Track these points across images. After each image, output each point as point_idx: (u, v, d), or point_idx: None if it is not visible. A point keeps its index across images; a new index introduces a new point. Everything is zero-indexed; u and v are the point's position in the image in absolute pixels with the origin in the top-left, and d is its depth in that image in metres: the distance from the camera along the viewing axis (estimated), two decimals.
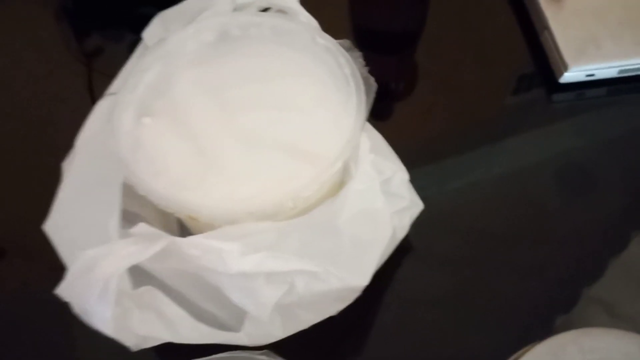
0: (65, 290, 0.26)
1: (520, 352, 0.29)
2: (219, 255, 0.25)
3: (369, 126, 0.36)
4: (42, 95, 0.46)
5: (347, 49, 0.34)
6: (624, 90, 0.45)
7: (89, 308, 0.26)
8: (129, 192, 0.30)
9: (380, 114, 0.41)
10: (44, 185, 0.33)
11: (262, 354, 0.27)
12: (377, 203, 0.32)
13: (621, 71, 0.44)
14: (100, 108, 0.33)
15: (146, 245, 0.25)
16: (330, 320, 0.33)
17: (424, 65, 0.48)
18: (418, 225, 0.36)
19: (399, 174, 0.35)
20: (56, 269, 0.35)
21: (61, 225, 0.30)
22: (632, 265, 0.38)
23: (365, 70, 0.33)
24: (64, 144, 0.33)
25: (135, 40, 0.40)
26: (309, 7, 0.36)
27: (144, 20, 0.37)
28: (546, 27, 0.45)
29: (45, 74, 0.47)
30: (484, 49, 0.48)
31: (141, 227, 0.26)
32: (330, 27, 0.35)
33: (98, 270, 0.24)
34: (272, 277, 0.28)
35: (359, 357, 0.34)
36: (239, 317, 0.29)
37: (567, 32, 0.44)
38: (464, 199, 0.41)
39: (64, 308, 0.34)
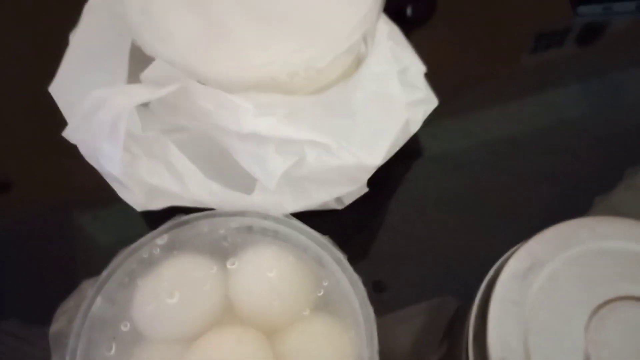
0: (72, 131, 0.25)
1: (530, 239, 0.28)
2: (234, 111, 0.25)
3: (387, 19, 0.35)
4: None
5: None
6: None
7: (98, 146, 0.25)
8: (134, 63, 0.29)
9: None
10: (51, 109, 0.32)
11: (282, 215, 0.27)
12: (393, 88, 0.31)
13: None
14: None
15: (158, 87, 0.24)
16: (337, 215, 0.32)
17: None
18: (432, 125, 0.35)
19: (416, 64, 0.33)
20: (60, 206, 0.36)
21: (66, 87, 0.29)
22: None
23: None
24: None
25: None
26: None
27: None
28: None
29: None
30: None
31: (155, 68, 0.25)
32: None
33: (107, 107, 0.24)
34: (282, 146, 0.27)
35: (365, 252, 0.34)
36: (247, 186, 0.28)
37: None
38: (481, 104, 0.39)
39: (67, 242, 0.34)
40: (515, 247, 0.27)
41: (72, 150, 0.28)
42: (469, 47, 0.43)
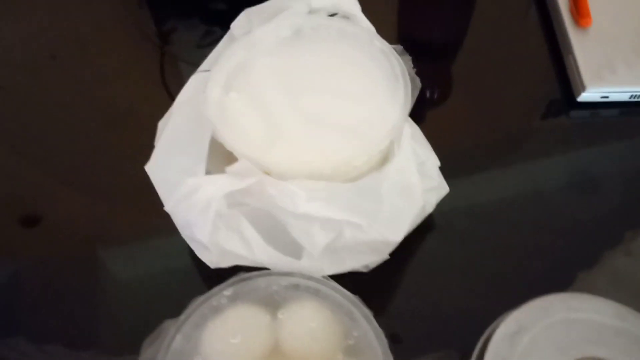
0: (172, 206, 0.33)
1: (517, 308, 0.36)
2: (291, 197, 0.33)
3: (410, 120, 0.43)
4: (119, 73, 0.54)
5: (400, 53, 0.41)
6: (634, 113, 0.51)
7: (192, 220, 0.33)
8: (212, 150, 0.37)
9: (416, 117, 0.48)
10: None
11: (321, 276, 0.35)
12: (413, 179, 0.39)
13: (632, 96, 0.50)
14: (193, 81, 0.41)
15: (240, 178, 0.32)
16: (363, 277, 0.40)
17: (459, 76, 0.55)
18: (443, 207, 0.43)
19: (431, 159, 0.41)
20: (87, 240, 0.44)
21: (158, 167, 0.37)
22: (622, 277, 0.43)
23: (413, 71, 0.41)
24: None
25: (206, 31, 0.47)
26: (369, 14, 0.44)
27: (213, 13, 0.44)
28: (570, 52, 0.51)
29: (123, 55, 0.55)
30: (514, 67, 0.54)
31: (238, 165, 0.33)
32: (386, 34, 0.43)
33: (202, 192, 0.32)
34: (326, 224, 0.35)
35: (385, 308, 0.41)
36: (296, 253, 0.36)
37: (588, 56, 0.51)
38: (484, 192, 0.47)
39: (94, 274, 0.42)
40: (505, 314, 0.35)
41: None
42: (475, 127, 0.51)
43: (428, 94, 0.55)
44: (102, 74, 0.53)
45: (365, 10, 0.44)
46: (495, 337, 0.33)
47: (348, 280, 0.37)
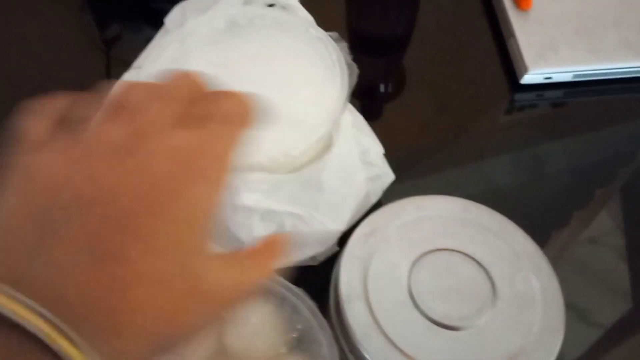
0: None
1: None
2: (229, 189, 0.32)
3: (352, 108, 0.43)
4: (64, 79, 0.52)
5: (335, 40, 0.40)
6: (578, 93, 0.51)
7: None
8: None
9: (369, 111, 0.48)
10: None
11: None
12: (354, 167, 0.38)
13: (575, 75, 0.50)
14: (126, 78, 0.40)
15: None
16: (308, 269, 0.39)
17: (409, 67, 0.54)
18: (392, 197, 0.42)
19: (375, 147, 0.41)
20: None
21: None
22: (607, 274, 0.43)
23: (349, 57, 0.40)
24: None
25: (150, 32, 0.46)
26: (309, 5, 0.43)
27: (158, 14, 0.43)
28: (512, 34, 0.52)
29: (68, 60, 0.54)
30: (461, 55, 0.54)
31: None
32: (326, 23, 0.42)
33: None
34: (265, 216, 0.34)
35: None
36: (237, 248, 0.35)
37: (530, 39, 0.51)
38: (434, 180, 0.47)
39: None
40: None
41: None
42: (425, 117, 0.51)
43: (382, 89, 0.55)
44: (47, 81, 0.52)
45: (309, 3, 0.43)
46: (350, 239, 0.35)
47: (298, 273, 0.36)
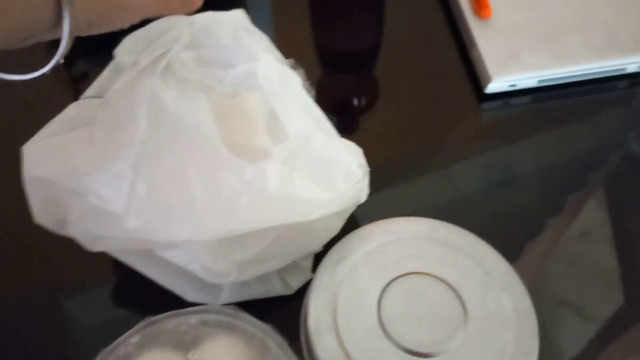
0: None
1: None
2: None
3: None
4: (34, 117, 0.52)
5: (292, 67, 0.40)
6: (545, 98, 0.51)
7: None
8: None
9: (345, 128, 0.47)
10: None
11: (229, 308, 0.33)
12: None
13: (540, 81, 0.50)
14: (74, 107, 0.39)
15: None
16: (276, 304, 0.38)
17: (376, 83, 0.54)
18: (357, 213, 0.42)
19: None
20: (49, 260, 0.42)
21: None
22: (599, 268, 0.43)
23: (307, 83, 0.40)
24: None
25: None
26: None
27: None
28: (474, 44, 0.51)
29: (36, 97, 0.53)
30: (427, 68, 0.54)
31: None
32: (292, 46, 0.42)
33: None
34: None
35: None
36: None
37: (492, 47, 0.51)
38: (401, 192, 0.46)
39: (39, 345, 0.40)
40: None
41: None
42: (397, 134, 0.50)
43: (355, 104, 0.54)
44: (15, 122, 0.51)
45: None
46: (318, 270, 0.35)
47: (261, 309, 0.35)
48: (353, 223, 0.43)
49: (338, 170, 0.36)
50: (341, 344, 0.32)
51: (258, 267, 0.34)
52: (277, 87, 0.37)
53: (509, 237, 0.44)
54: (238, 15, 0.40)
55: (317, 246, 0.37)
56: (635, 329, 0.41)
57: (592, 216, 0.46)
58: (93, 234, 0.35)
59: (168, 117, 0.34)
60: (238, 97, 0.38)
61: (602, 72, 0.51)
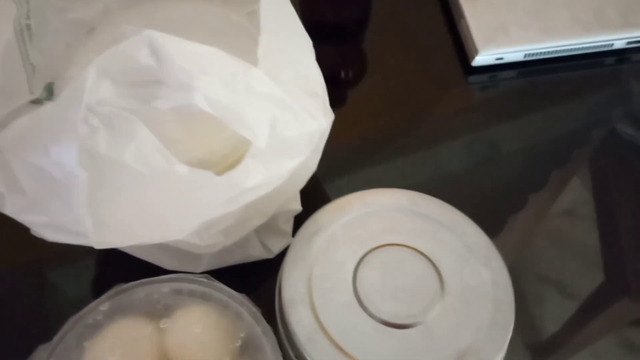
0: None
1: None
2: None
3: None
4: None
5: None
6: (531, 72, 0.51)
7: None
8: None
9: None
10: None
11: (202, 277, 0.33)
12: None
13: (527, 55, 0.49)
14: None
15: None
16: (251, 273, 0.38)
17: (366, 54, 0.53)
18: (340, 188, 0.41)
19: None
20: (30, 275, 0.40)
21: None
22: (581, 245, 0.43)
23: None
24: None
25: None
26: None
27: None
28: (462, 16, 0.50)
29: None
30: (415, 40, 0.53)
31: None
32: None
33: None
34: None
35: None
36: None
37: (480, 21, 0.50)
38: (384, 166, 0.46)
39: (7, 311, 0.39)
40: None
41: None
42: (382, 107, 0.49)
43: (342, 76, 0.53)
44: None
45: None
46: (294, 240, 0.34)
47: (237, 279, 0.34)
48: (332, 194, 0.42)
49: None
50: (315, 315, 0.31)
51: (242, 228, 0.33)
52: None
53: (492, 213, 0.43)
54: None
55: (300, 186, 0.36)
56: (615, 306, 0.41)
57: (575, 193, 0.45)
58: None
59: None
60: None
61: (589, 48, 0.50)
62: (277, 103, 0.30)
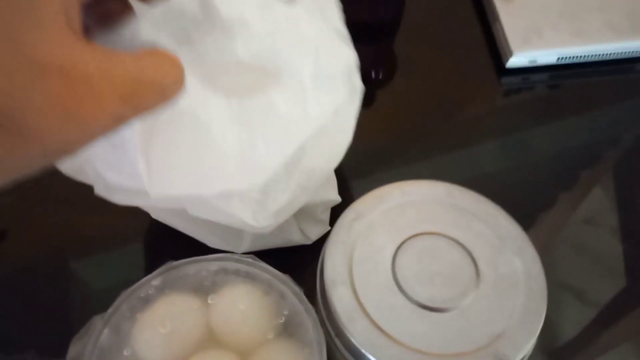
0: None
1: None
2: None
3: None
4: None
5: None
6: (563, 76, 0.52)
7: None
8: None
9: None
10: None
11: (248, 257, 0.34)
12: None
13: (559, 58, 0.51)
14: None
15: None
16: (294, 255, 0.40)
17: (398, 54, 0.55)
18: (376, 181, 0.42)
19: None
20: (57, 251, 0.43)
21: None
22: (601, 253, 0.44)
23: None
24: None
25: None
26: None
27: None
28: (497, 19, 0.52)
29: None
30: (448, 41, 0.54)
31: None
32: None
33: None
34: None
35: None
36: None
37: (514, 23, 0.51)
38: (419, 162, 0.47)
39: (65, 286, 0.41)
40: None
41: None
42: (417, 106, 0.51)
43: (373, 75, 0.55)
44: None
45: None
46: (335, 225, 0.36)
47: (279, 260, 0.36)
48: (370, 185, 0.44)
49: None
50: (356, 296, 0.33)
51: (289, 209, 0.34)
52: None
53: (520, 211, 0.44)
54: None
55: (339, 157, 0.36)
56: (635, 313, 0.42)
57: (599, 199, 0.46)
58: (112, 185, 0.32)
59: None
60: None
61: (622, 53, 0.51)
62: (317, 39, 0.32)
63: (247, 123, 0.31)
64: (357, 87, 0.36)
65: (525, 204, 0.45)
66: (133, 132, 0.30)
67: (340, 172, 0.40)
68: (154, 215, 0.39)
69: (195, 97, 0.30)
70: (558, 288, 0.41)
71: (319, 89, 0.32)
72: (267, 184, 0.31)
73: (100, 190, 0.33)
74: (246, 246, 0.38)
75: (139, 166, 0.30)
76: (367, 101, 0.50)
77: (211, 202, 0.31)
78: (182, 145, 0.31)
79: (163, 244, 0.42)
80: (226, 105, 0.31)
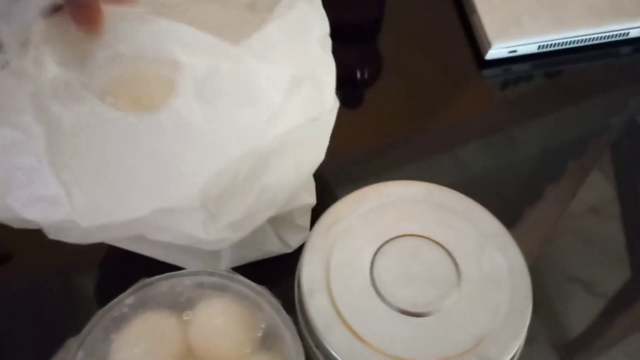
0: None
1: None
2: None
3: None
4: None
5: None
6: (546, 64, 0.51)
7: None
8: None
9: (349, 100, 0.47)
10: None
11: (223, 271, 0.33)
12: None
13: (540, 46, 0.49)
14: None
15: None
16: (269, 267, 0.39)
17: (381, 52, 0.54)
18: (360, 184, 0.42)
19: None
20: (60, 273, 0.42)
21: None
22: (609, 245, 0.43)
23: None
24: None
25: None
26: None
27: None
28: (474, 11, 0.51)
29: None
30: (429, 37, 0.54)
31: None
32: None
33: None
34: None
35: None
36: None
37: (492, 14, 0.50)
38: (404, 163, 0.46)
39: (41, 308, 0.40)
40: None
41: None
42: (400, 105, 0.50)
43: (358, 76, 0.54)
44: None
45: None
46: (312, 232, 0.35)
47: (257, 272, 0.35)
48: (350, 191, 0.43)
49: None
50: (333, 304, 0.32)
51: (250, 222, 0.33)
52: None
53: (512, 208, 0.43)
54: None
55: (307, 175, 0.36)
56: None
57: (596, 187, 0.45)
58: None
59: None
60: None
61: (604, 37, 0.50)
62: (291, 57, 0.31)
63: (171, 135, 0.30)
64: (332, 104, 0.35)
65: (516, 197, 0.44)
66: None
67: (322, 175, 0.39)
68: (127, 247, 0.38)
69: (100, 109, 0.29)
70: (564, 279, 0.41)
71: (286, 105, 0.31)
72: (219, 196, 0.30)
73: (50, 234, 0.31)
74: (225, 264, 0.37)
75: (54, 189, 0.28)
76: (353, 103, 0.50)
77: (155, 222, 0.30)
78: (101, 164, 0.29)
79: (137, 262, 0.41)
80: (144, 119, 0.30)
